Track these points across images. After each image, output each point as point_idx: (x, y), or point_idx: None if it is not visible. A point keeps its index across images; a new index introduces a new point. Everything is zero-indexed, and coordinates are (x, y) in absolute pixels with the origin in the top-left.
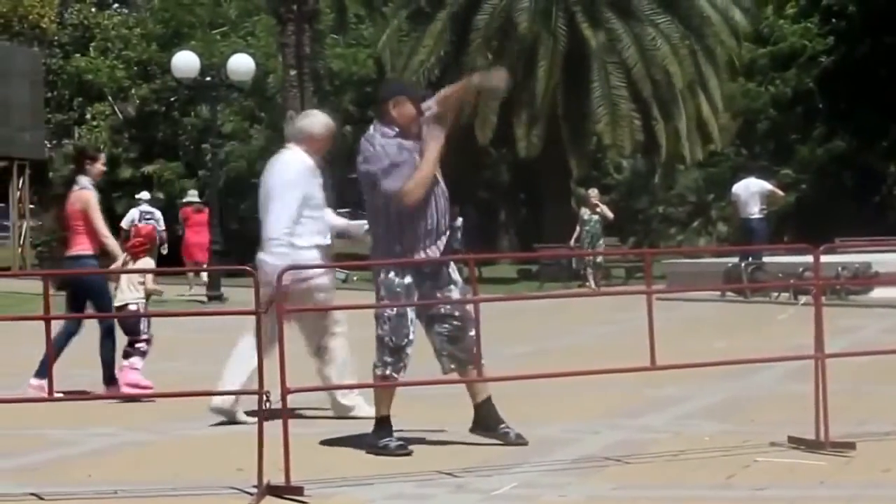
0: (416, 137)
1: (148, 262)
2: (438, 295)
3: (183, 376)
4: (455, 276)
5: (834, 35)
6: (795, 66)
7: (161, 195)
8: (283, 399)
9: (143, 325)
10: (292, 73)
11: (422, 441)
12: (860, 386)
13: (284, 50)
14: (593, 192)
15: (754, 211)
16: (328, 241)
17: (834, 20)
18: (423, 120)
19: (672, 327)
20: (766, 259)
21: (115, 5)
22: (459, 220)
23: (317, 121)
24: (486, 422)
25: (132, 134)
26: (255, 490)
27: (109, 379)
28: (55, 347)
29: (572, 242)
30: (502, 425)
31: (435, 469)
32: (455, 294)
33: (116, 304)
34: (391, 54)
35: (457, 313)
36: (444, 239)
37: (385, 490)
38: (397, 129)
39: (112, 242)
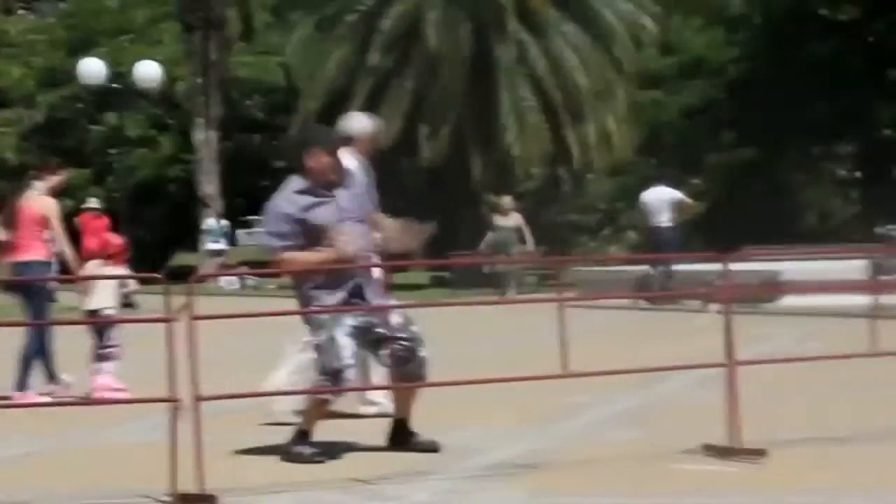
0: (334, 185)
1: (123, 269)
2: (376, 320)
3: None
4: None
5: (739, 45)
6: (702, 75)
7: (70, 202)
8: (195, 406)
9: (115, 332)
10: (199, 80)
11: (338, 449)
12: (771, 393)
13: (192, 57)
14: (506, 200)
15: (663, 219)
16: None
17: (741, 30)
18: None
19: (584, 335)
20: (676, 267)
21: (22, 11)
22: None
23: (356, 122)
24: (402, 434)
25: (40, 141)
26: (167, 499)
27: (21, 385)
28: (38, 354)
29: (482, 249)
30: (416, 434)
31: (350, 477)
32: (395, 318)
33: (89, 308)
34: (299, 61)
35: (405, 335)
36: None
37: (300, 498)
38: (310, 183)
39: (72, 253)
